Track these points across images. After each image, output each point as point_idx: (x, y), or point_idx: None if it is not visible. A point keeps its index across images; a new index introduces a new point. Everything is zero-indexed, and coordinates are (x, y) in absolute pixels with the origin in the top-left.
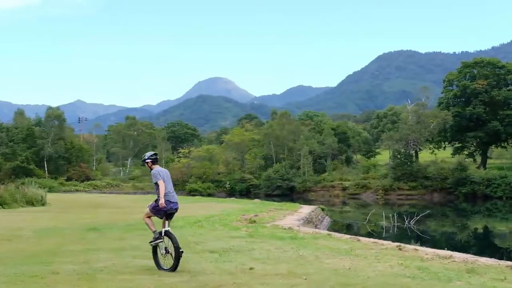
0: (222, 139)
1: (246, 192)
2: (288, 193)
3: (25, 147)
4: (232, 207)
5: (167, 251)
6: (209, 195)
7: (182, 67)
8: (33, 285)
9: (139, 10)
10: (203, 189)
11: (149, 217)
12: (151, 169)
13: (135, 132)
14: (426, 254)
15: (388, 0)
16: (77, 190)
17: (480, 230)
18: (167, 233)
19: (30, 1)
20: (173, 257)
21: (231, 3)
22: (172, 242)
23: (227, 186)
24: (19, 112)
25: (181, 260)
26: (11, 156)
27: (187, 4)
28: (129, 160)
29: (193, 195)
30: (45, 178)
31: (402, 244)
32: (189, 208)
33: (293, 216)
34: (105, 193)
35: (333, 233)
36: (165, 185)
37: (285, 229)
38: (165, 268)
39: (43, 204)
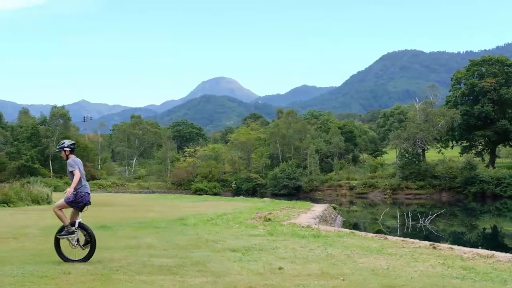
0: (228, 138)
1: (253, 192)
2: (295, 193)
3: (30, 146)
4: (243, 206)
5: (78, 242)
6: (215, 194)
7: (186, 67)
8: (43, 286)
9: (142, 9)
10: (209, 188)
11: (61, 209)
12: (67, 158)
13: (141, 131)
14: (464, 253)
15: (392, 0)
16: None
17: (489, 230)
18: (81, 224)
19: (33, 1)
20: (89, 247)
21: (235, 3)
22: (88, 232)
23: (233, 185)
24: (24, 111)
25: (203, 259)
26: (16, 155)
27: (192, 4)
28: (134, 159)
29: (200, 194)
30: (50, 177)
31: (436, 243)
32: (199, 206)
33: (307, 214)
34: (110, 192)
35: (356, 231)
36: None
37: (303, 227)
38: (75, 259)
39: (48, 203)
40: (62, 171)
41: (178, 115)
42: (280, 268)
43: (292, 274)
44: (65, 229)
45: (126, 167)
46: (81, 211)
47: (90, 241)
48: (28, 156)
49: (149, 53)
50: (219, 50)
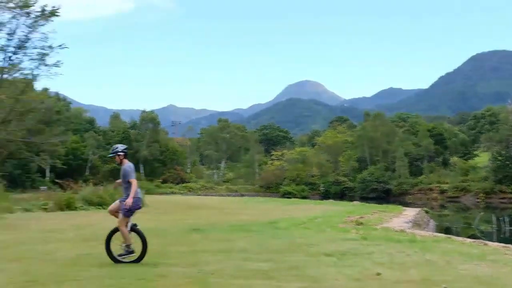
0: (315, 141)
1: (341, 195)
2: (384, 196)
3: None
4: (333, 209)
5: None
6: (303, 197)
7: (272, 70)
8: None
9: (226, 14)
10: (297, 192)
11: (126, 224)
12: (121, 163)
13: (228, 135)
14: None
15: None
16: (172, 192)
17: None
18: (133, 228)
19: (120, 9)
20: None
21: (319, 6)
22: (140, 236)
23: (321, 188)
24: (115, 116)
25: (298, 263)
26: (108, 159)
27: (276, 8)
28: (222, 162)
29: (288, 198)
30: (141, 180)
31: None
32: (288, 210)
33: (399, 218)
34: (200, 195)
35: (453, 236)
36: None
37: (397, 231)
38: (126, 261)
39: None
40: (152, 174)
41: (264, 118)
42: (378, 274)
43: (391, 280)
44: (126, 248)
45: (215, 171)
46: (131, 215)
47: (143, 244)
48: None
49: (235, 57)
50: (305, 54)
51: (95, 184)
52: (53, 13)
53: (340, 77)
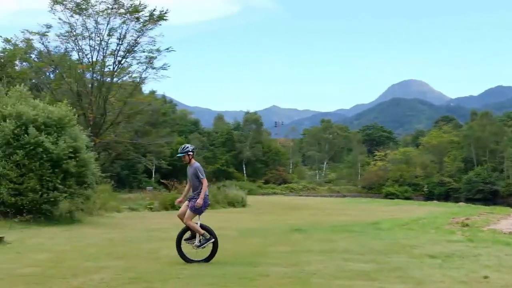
0: (419, 141)
1: (445, 196)
2: (491, 198)
3: (225, 151)
4: (437, 210)
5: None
6: (406, 198)
7: (375, 70)
8: (243, 287)
9: (330, 14)
10: (400, 193)
11: (192, 219)
12: (190, 163)
13: (331, 135)
14: None
15: None
16: (274, 193)
17: None
18: (202, 226)
19: (228, 12)
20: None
21: (423, 5)
22: (211, 234)
23: (425, 189)
24: (219, 117)
25: (401, 265)
26: (212, 160)
27: (379, 8)
28: (325, 163)
29: (391, 199)
30: (243, 180)
31: None
32: (391, 211)
33: (508, 220)
34: (301, 195)
35: None
36: None
37: (505, 233)
38: (197, 259)
39: (243, 206)
40: (255, 175)
41: (367, 118)
42: (485, 277)
43: (499, 284)
44: (202, 237)
45: (317, 171)
46: (201, 213)
47: (214, 242)
48: (223, 161)
49: (338, 58)
50: (409, 52)
51: None
52: (161, 17)
53: (447, 76)
